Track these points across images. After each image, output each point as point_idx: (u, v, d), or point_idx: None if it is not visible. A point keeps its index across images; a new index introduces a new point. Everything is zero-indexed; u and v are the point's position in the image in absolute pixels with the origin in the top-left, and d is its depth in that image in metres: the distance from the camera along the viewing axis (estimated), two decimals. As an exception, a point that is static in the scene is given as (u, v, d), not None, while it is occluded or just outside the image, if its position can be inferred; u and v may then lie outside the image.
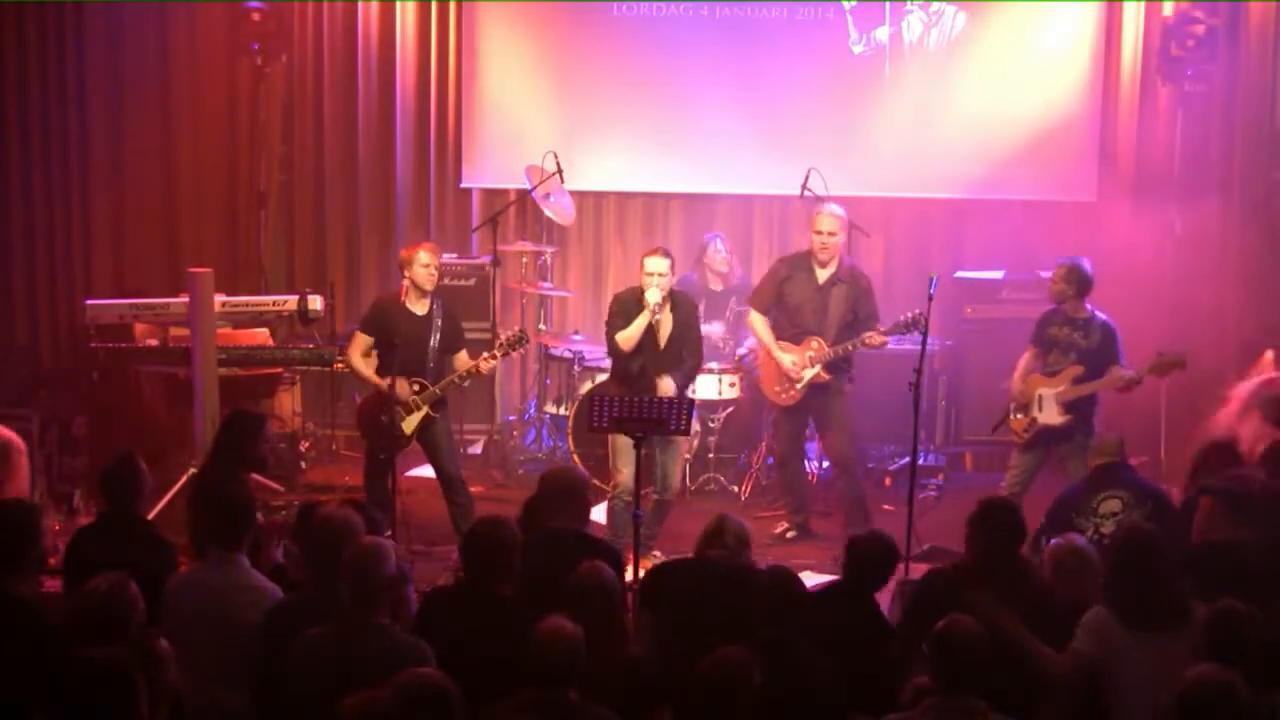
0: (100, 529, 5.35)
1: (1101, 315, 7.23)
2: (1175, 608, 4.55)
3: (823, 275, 7.58)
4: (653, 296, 6.99)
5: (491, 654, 4.40)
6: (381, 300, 7.49)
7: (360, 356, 7.23)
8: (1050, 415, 7.13)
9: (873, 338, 7.40)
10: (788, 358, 7.55)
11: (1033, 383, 7.22)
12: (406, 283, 7.24)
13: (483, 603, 4.69)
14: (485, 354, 7.29)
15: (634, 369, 7.12)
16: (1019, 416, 7.23)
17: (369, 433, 7.31)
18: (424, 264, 7.18)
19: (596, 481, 7.37)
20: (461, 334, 7.43)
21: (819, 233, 7.55)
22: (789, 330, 7.65)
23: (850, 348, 7.46)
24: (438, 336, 7.23)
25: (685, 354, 7.19)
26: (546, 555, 5.01)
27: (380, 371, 7.16)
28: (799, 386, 7.55)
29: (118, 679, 3.73)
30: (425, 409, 7.16)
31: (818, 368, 7.49)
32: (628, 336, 7.05)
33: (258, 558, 5.02)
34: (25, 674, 4.18)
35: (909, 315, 7.23)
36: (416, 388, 7.15)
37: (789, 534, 7.80)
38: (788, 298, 7.64)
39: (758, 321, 7.75)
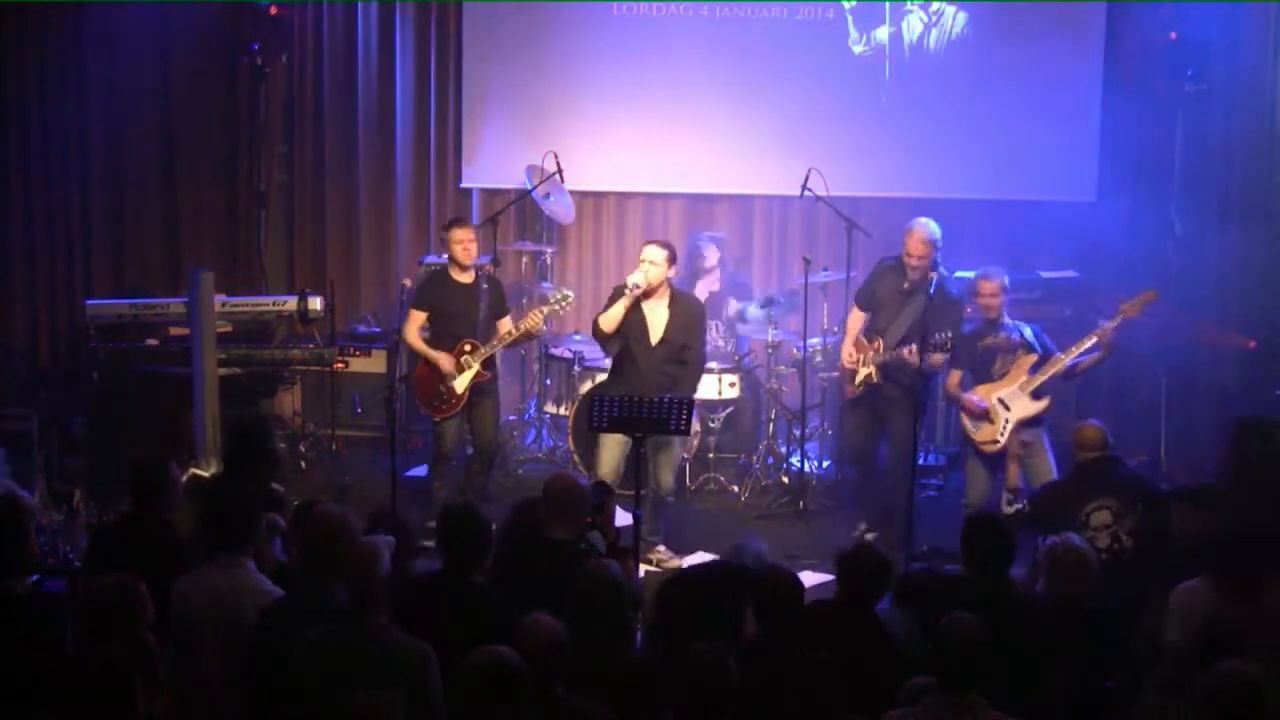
0: (124, 528, 5.36)
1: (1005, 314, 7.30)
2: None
3: (906, 281, 7.34)
4: (632, 278, 7.08)
5: (471, 641, 4.41)
6: (428, 275, 7.91)
7: (416, 333, 7.60)
8: (1025, 408, 7.11)
9: (907, 353, 7.13)
10: (848, 349, 7.50)
11: (984, 393, 7.20)
12: (449, 259, 7.67)
13: (459, 591, 4.71)
14: (534, 311, 7.68)
15: (611, 350, 7.23)
16: (986, 426, 7.17)
17: (425, 396, 7.61)
18: (458, 240, 7.60)
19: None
20: (505, 300, 7.82)
21: (909, 255, 7.30)
22: (869, 327, 7.53)
23: (889, 356, 7.25)
24: (485, 303, 7.60)
25: (686, 357, 7.16)
26: (550, 562, 5.01)
27: (431, 341, 7.59)
28: (855, 382, 7.47)
29: (116, 678, 3.73)
30: (476, 366, 7.51)
31: (870, 368, 7.36)
32: (607, 316, 7.15)
33: (259, 557, 5.02)
34: (23, 672, 4.18)
35: (939, 337, 6.94)
36: (468, 347, 7.51)
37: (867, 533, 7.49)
38: (877, 293, 7.50)
39: (853, 314, 7.65)
